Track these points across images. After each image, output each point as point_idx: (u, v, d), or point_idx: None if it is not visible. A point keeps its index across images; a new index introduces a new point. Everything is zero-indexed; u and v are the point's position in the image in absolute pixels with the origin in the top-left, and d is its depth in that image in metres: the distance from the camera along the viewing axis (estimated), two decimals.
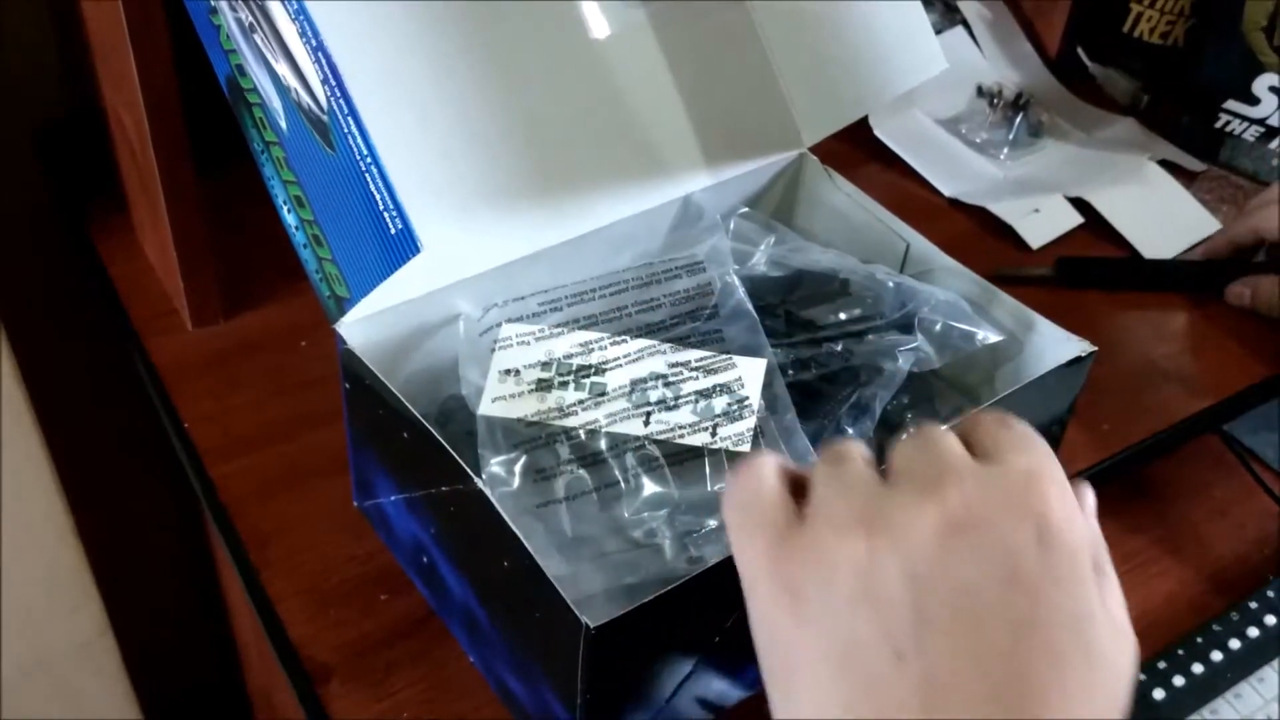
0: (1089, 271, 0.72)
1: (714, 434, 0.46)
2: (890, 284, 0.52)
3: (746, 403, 0.47)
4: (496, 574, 0.43)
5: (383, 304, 0.48)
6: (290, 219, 0.48)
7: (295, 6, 0.44)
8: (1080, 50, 0.92)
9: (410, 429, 0.44)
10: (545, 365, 0.48)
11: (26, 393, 0.71)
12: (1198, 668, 0.53)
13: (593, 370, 0.48)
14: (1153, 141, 0.84)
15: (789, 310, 0.53)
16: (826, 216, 0.60)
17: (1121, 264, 0.74)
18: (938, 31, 0.62)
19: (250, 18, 0.46)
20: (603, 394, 0.47)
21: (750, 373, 0.48)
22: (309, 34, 0.45)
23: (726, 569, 0.40)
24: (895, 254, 0.56)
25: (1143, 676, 0.53)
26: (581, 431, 0.46)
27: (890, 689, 0.29)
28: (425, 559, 0.50)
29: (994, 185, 0.78)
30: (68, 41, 0.72)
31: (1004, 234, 0.75)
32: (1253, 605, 0.55)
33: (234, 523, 0.56)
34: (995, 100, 0.81)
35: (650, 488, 0.45)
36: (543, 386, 0.47)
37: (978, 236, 0.75)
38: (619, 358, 0.48)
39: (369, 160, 0.44)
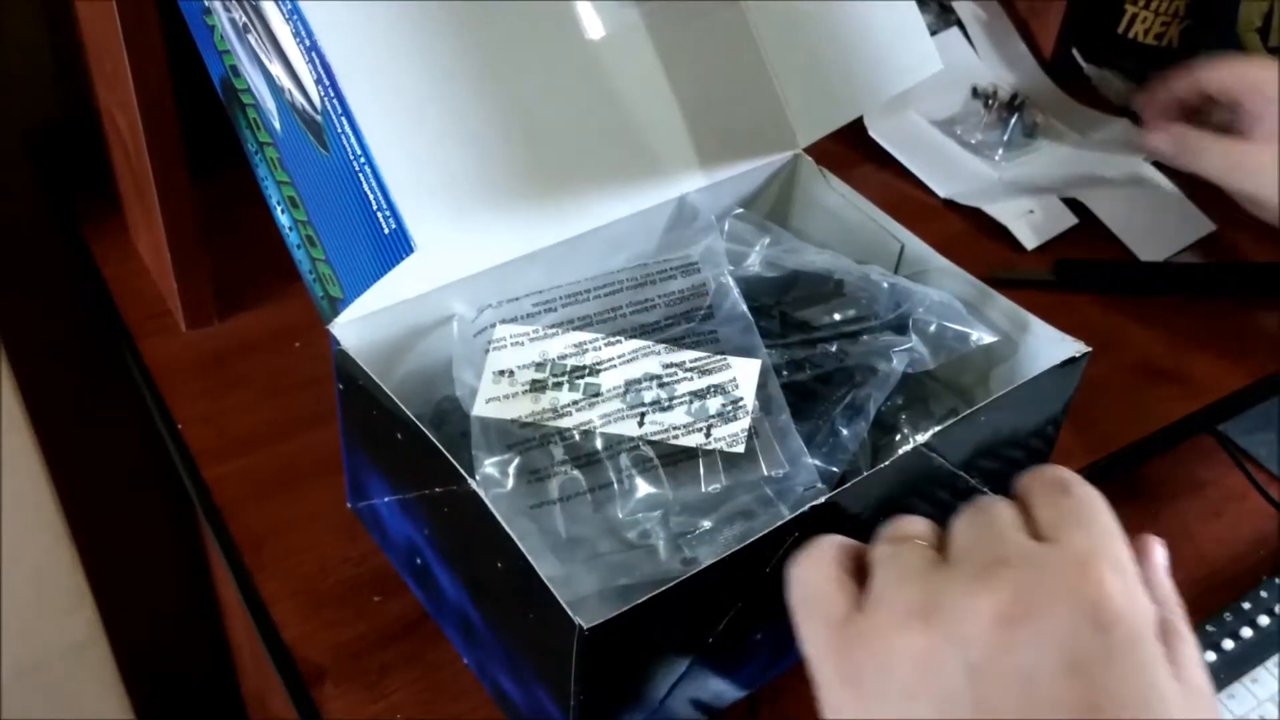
0: (1088, 274, 0.72)
1: (708, 435, 0.46)
2: (885, 285, 0.52)
3: (741, 403, 0.47)
4: (490, 575, 0.43)
5: (377, 305, 0.48)
6: (284, 219, 0.48)
7: (289, 7, 0.44)
8: (1075, 51, 0.92)
9: (404, 430, 0.44)
10: (539, 366, 0.48)
11: (20, 394, 0.71)
12: None
13: (587, 371, 0.48)
14: None
15: (784, 311, 0.53)
16: (821, 217, 0.60)
17: (1121, 267, 0.74)
18: (933, 32, 0.62)
19: (244, 18, 0.46)
20: (597, 395, 0.47)
21: (745, 374, 0.48)
22: (303, 34, 0.44)
23: (720, 570, 0.40)
24: (890, 255, 0.56)
25: None
26: (576, 432, 0.46)
27: None
28: (419, 560, 0.49)
29: (989, 186, 0.78)
30: (62, 42, 0.72)
31: (998, 235, 0.75)
32: (1246, 606, 0.55)
33: (228, 524, 0.56)
34: (990, 101, 0.81)
35: (644, 489, 0.45)
36: (537, 387, 0.47)
37: (972, 237, 0.75)
38: (613, 358, 0.48)
39: (363, 160, 0.44)
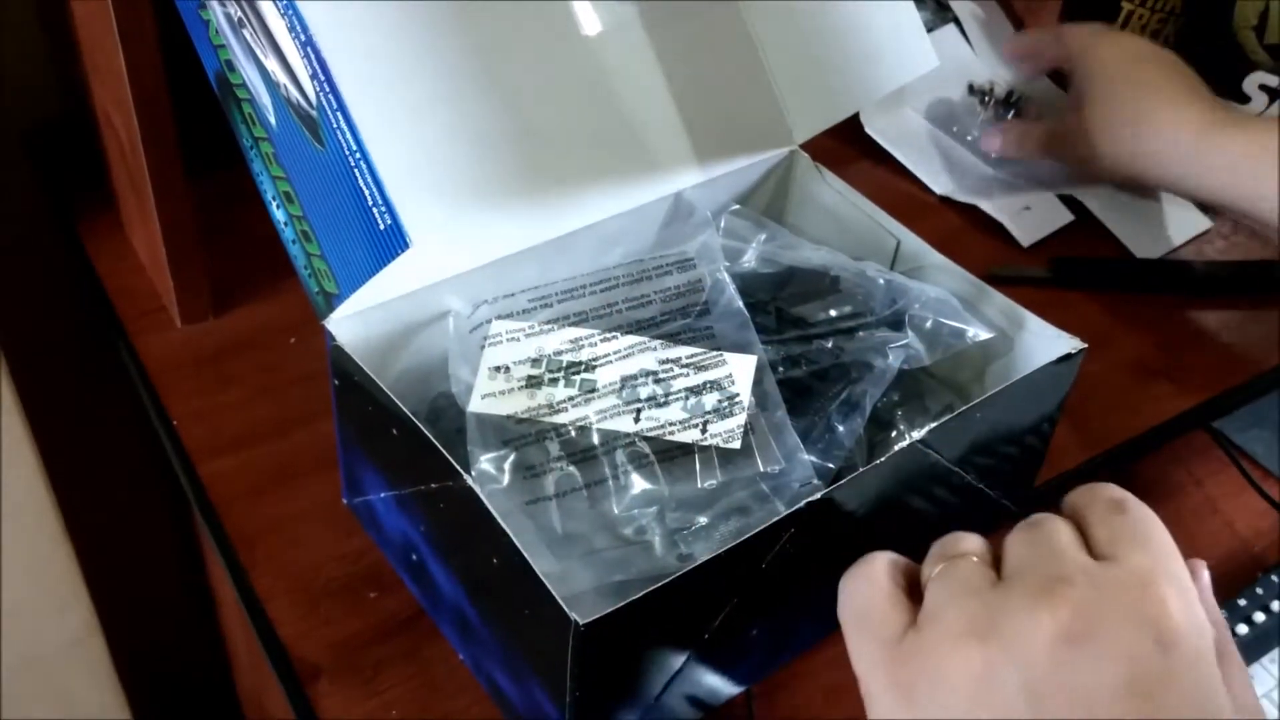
0: (1084, 272, 0.72)
1: (704, 431, 0.46)
2: (881, 281, 0.52)
3: (737, 399, 0.47)
4: (486, 571, 0.42)
5: (372, 300, 0.48)
6: (279, 215, 0.48)
7: (284, 2, 0.44)
8: None
9: (400, 426, 0.44)
10: (535, 362, 0.48)
11: (16, 391, 0.70)
12: None
13: (583, 367, 0.48)
14: None
15: (779, 307, 0.53)
16: (817, 213, 0.60)
17: (1117, 264, 0.74)
18: (929, 29, 0.63)
19: (239, 13, 0.46)
20: (593, 391, 0.47)
21: (741, 369, 0.48)
22: (298, 29, 0.44)
23: (716, 566, 0.40)
24: (886, 251, 0.56)
25: None
26: (571, 428, 0.46)
27: None
28: (415, 557, 0.49)
29: (985, 182, 0.78)
30: (57, 40, 0.72)
31: (995, 231, 0.75)
32: (1242, 602, 0.56)
33: (223, 521, 0.56)
34: (986, 98, 0.81)
35: (640, 485, 0.45)
36: (533, 383, 0.47)
37: (968, 234, 0.75)
38: (609, 354, 0.48)
39: (358, 156, 0.44)
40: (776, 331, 0.52)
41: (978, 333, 0.51)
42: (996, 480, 0.52)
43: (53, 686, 0.86)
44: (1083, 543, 0.32)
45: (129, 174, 0.63)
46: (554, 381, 0.47)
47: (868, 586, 0.34)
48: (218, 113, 0.49)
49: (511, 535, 0.39)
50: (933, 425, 0.45)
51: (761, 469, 0.46)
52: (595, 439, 0.46)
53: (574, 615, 0.37)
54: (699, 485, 0.46)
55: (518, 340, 0.49)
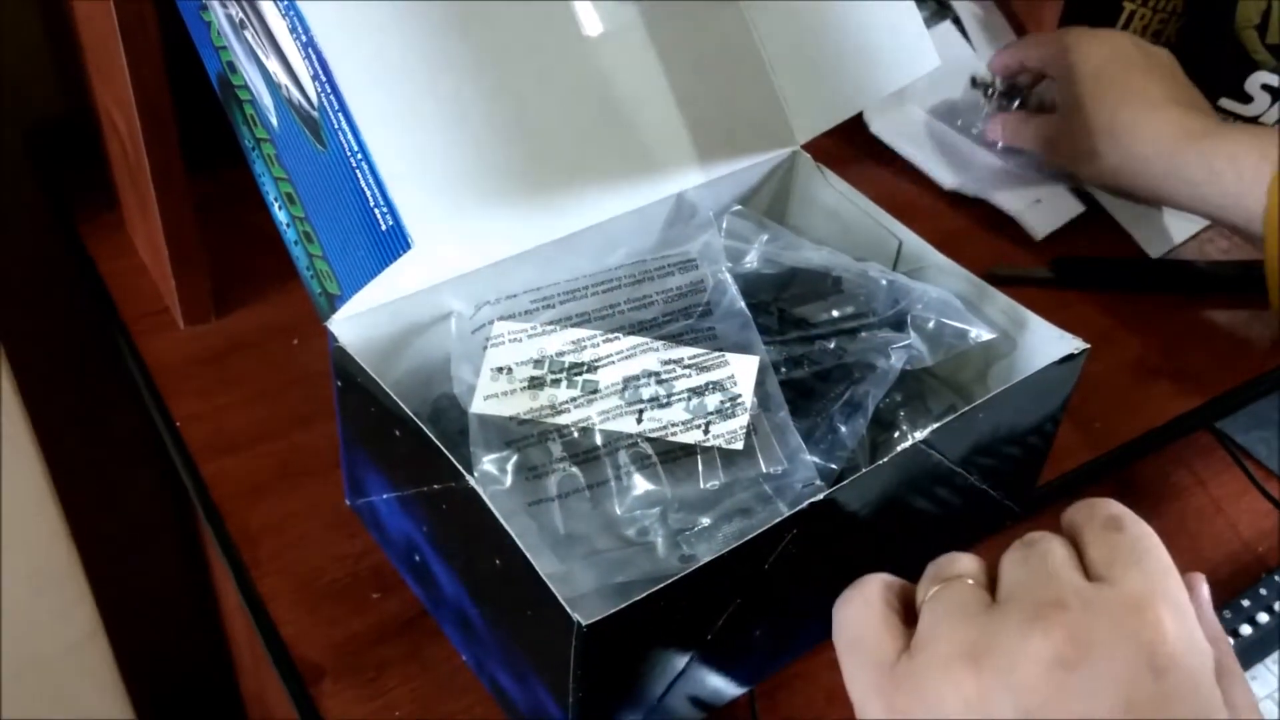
0: (1086, 272, 0.72)
1: (706, 431, 0.46)
2: (883, 281, 0.52)
3: (739, 400, 0.47)
4: (489, 572, 0.42)
5: (374, 301, 0.48)
6: (281, 216, 0.48)
7: (285, 3, 0.44)
8: None
9: (402, 427, 0.44)
10: (537, 363, 0.48)
11: (18, 391, 0.70)
12: None
13: (585, 368, 0.48)
14: None
15: (782, 308, 0.53)
16: (819, 214, 0.60)
17: (1119, 265, 0.74)
18: (927, 26, 0.63)
19: (241, 14, 0.46)
20: (595, 391, 0.47)
21: (743, 370, 0.48)
22: (299, 30, 0.44)
23: (718, 567, 0.40)
24: (888, 251, 0.56)
25: None
26: (574, 429, 0.46)
27: None
28: (417, 557, 0.49)
29: (994, 176, 0.78)
30: (59, 40, 0.72)
31: (997, 231, 0.75)
32: (1245, 603, 0.55)
33: (225, 521, 0.56)
34: (990, 90, 0.81)
35: (642, 485, 0.45)
36: (535, 384, 0.47)
37: (970, 234, 0.75)
38: (611, 355, 0.48)
39: (360, 157, 0.44)
40: (779, 332, 0.52)
41: (980, 333, 0.51)
42: (999, 481, 0.52)
43: (55, 688, 0.86)
44: (1078, 563, 0.32)
45: (131, 174, 0.63)
46: (556, 382, 0.47)
47: (861, 610, 0.34)
48: (219, 111, 0.49)
49: (514, 536, 0.39)
50: (935, 426, 0.45)
51: (764, 470, 0.46)
52: (598, 440, 0.46)
53: (577, 616, 0.37)
54: (701, 486, 0.46)
55: (520, 341, 0.49)
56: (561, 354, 0.48)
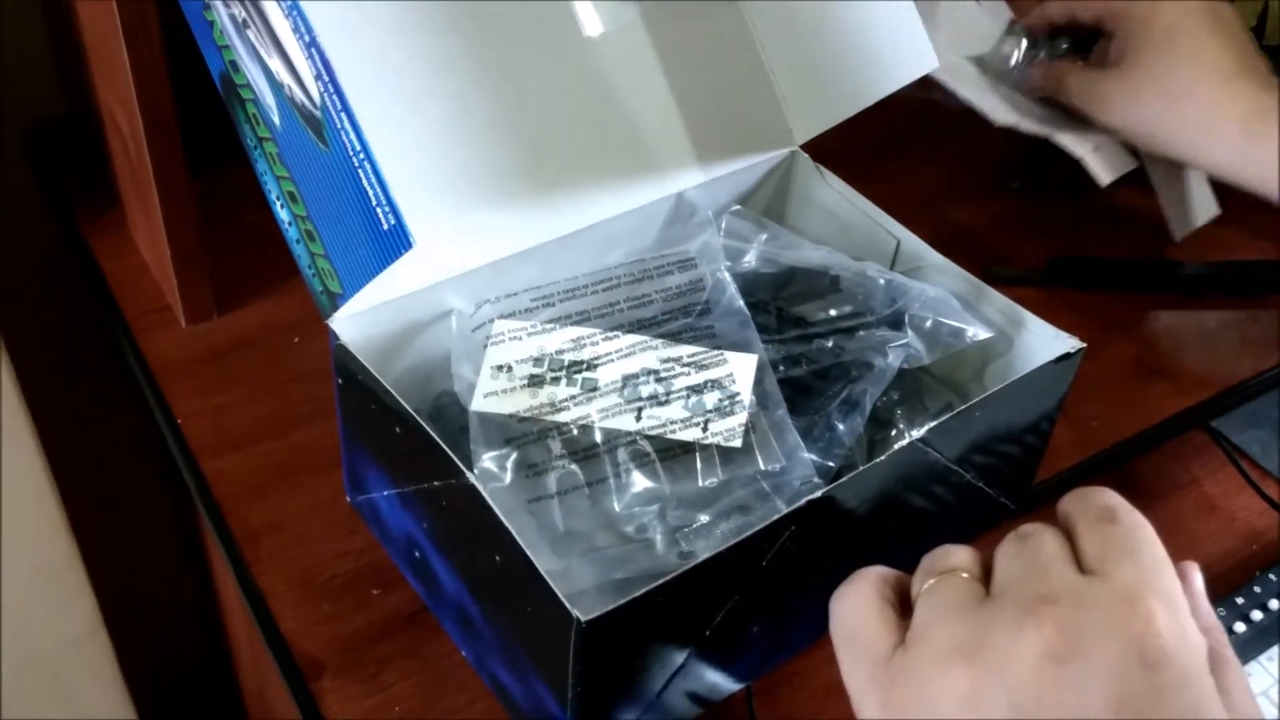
0: (1083, 271, 0.73)
1: (705, 429, 0.46)
2: (881, 281, 0.52)
3: (738, 398, 0.47)
4: (488, 569, 0.43)
5: (375, 300, 0.48)
6: (283, 215, 0.48)
7: (289, 3, 0.45)
8: None
9: (402, 424, 0.45)
10: (537, 361, 0.48)
11: (20, 389, 0.71)
12: None
13: (584, 366, 0.48)
14: None
15: (780, 307, 0.53)
16: (817, 214, 0.60)
17: (1115, 264, 0.74)
18: None
19: (243, 13, 0.46)
20: (594, 389, 0.47)
21: (741, 368, 0.48)
22: (302, 30, 0.45)
23: (717, 564, 0.40)
24: (885, 251, 0.56)
25: None
26: (573, 427, 0.46)
27: None
28: (417, 554, 0.50)
29: (1052, 116, 0.72)
30: (61, 38, 0.72)
31: (994, 231, 0.75)
32: (1240, 601, 0.56)
33: (226, 518, 0.56)
34: (1028, 41, 0.73)
35: (641, 483, 0.46)
36: (535, 382, 0.48)
37: (968, 234, 0.75)
38: (611, 353, 0.49)
39: (362, 156, 0.45)
40: (777, 331, 0.52)
41: (977, 332, 0.51)
42: (995, 479, 0.53)
43: (55, 684, 0.86)
44: (1072, 555, 0.32)
45: (132, 172, 0.64)
46: (556, 380, 0.48)
47: (856, 605, 0.34)
48: (221, 110, 0.49)
49: (514, 533, 0.39)
50: (932, 424, 0.46)
51: (762, 467, 0.46)
52: (597, 437, 0.46)
53: (576, 612, 0.37)
54: (700, 483, 0.46)
55: (520, 339, 0.49)
56: (561, 352, 0.49)
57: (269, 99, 0.47)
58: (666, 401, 0.47)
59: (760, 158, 0.59)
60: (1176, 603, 0.31)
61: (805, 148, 0.60)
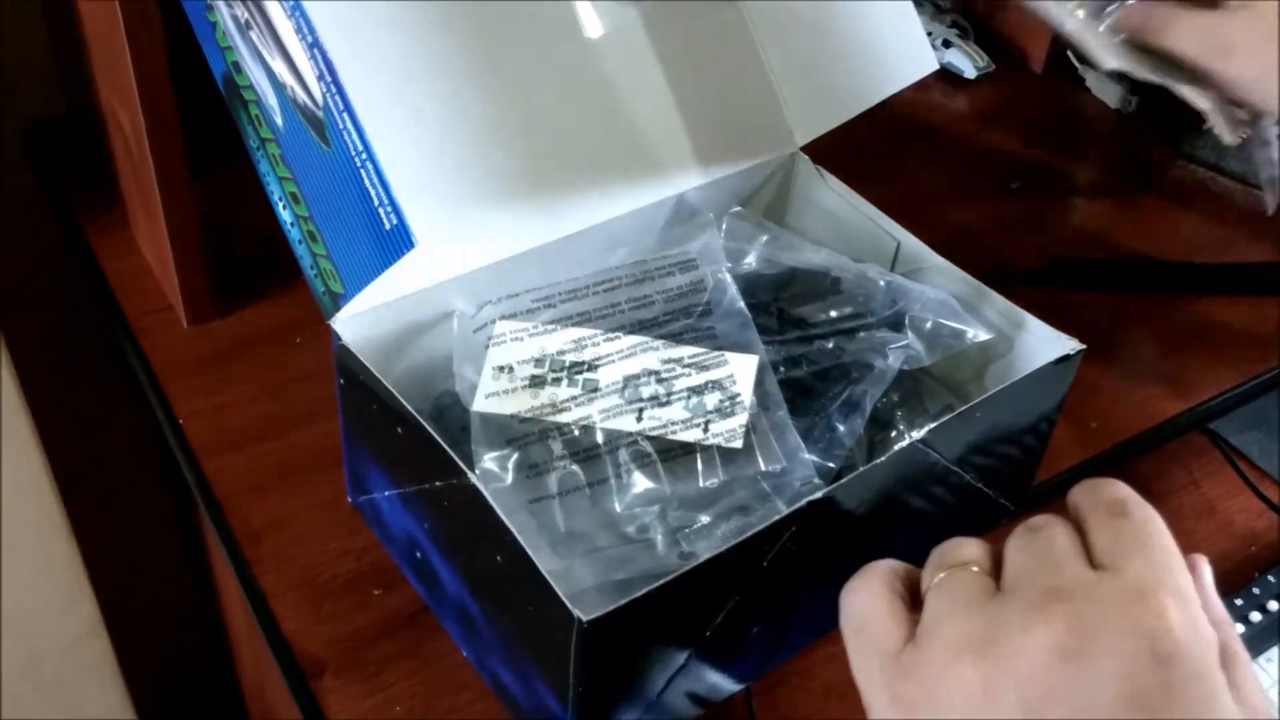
0: (1082, 273, 0.73)
1: (706, 430, 0.47)
2: (881, 282, 0.53)
3: (738, 399, 0.47)
4: (489, 569, 0.43)
5: (377, 300, 0.48)
6: (285, 215, 0.48)
7: (291, 4, 0.45)
8: (1070, 54, 0.92)
9: (404, 424, 0.45)
10: (538, 361, 0.48)
11: (21, 388, 0.71)
12: None
13: (586, 366, 0.48)
14: None
15: (781, 308, 0.54)
16: (818, 215, 0.60)
17: (1115, 265, 0.75)
18: None
19: (246, 15, 0.46)
20: (595, 390, 0.48)
21: (742, 369, 0.48)
22: (305, 31, 0.45)
23: (717, 564, 0.40)
24: (886, 253, 0.56)
25: None
26: (575, 428, 0.47)
27: None
28: (418, 554, 0.50)
29: (1154, 65, 0.59)
30: (63, 39, 0.72)
31: (994, 232, 0.75)
32: (1239, 602, 0.56)
33: (228, 518, 0.56)
34: None
35: (642, 483, 0.46)
36: (536, 383, 0.48)
37: (968, 235, 0.75)
38: (612, 354, 0.49)
39: (364, 157, 0.45)
40: (778, 332, 0.52)
41: (977, 334, 0.51)
42: (995, 480, 0.53)
43: (56, 685, 0.86)
44: (1082, 549, 0.32)
45: (135, 173, 0.64)
46: (557, 381, 0.48)
47: (867, 599, 0.34)
48: (224, 111, 0.50)
49: (515, 533, 0.40)
50: (932, 425, 0.46)
51: (763, 468, 0.47)
52: (598, 438, 0.46)
53: (577, 612, 0.37)
54: (701, 484, 0.46)
55: (521, 340, 0.49)
56: (562, 353, 0.49)
57: (271, 100, 0.47)
58: (667, 402, 0.47)
59: (761, 159, 0.59)
60: (1188, 597, 0.30)
61: (806, 149, 0.60)
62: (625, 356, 0.49)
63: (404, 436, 0.45)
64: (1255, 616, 0.55)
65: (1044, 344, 0.51)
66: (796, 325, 0.53)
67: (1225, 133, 0.59)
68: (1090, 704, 0.29)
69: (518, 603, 0.42)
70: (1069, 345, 0.50)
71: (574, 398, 0.47)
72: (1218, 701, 0.29)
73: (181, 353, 0.64)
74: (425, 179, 0.47)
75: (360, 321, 0.48)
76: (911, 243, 0.56)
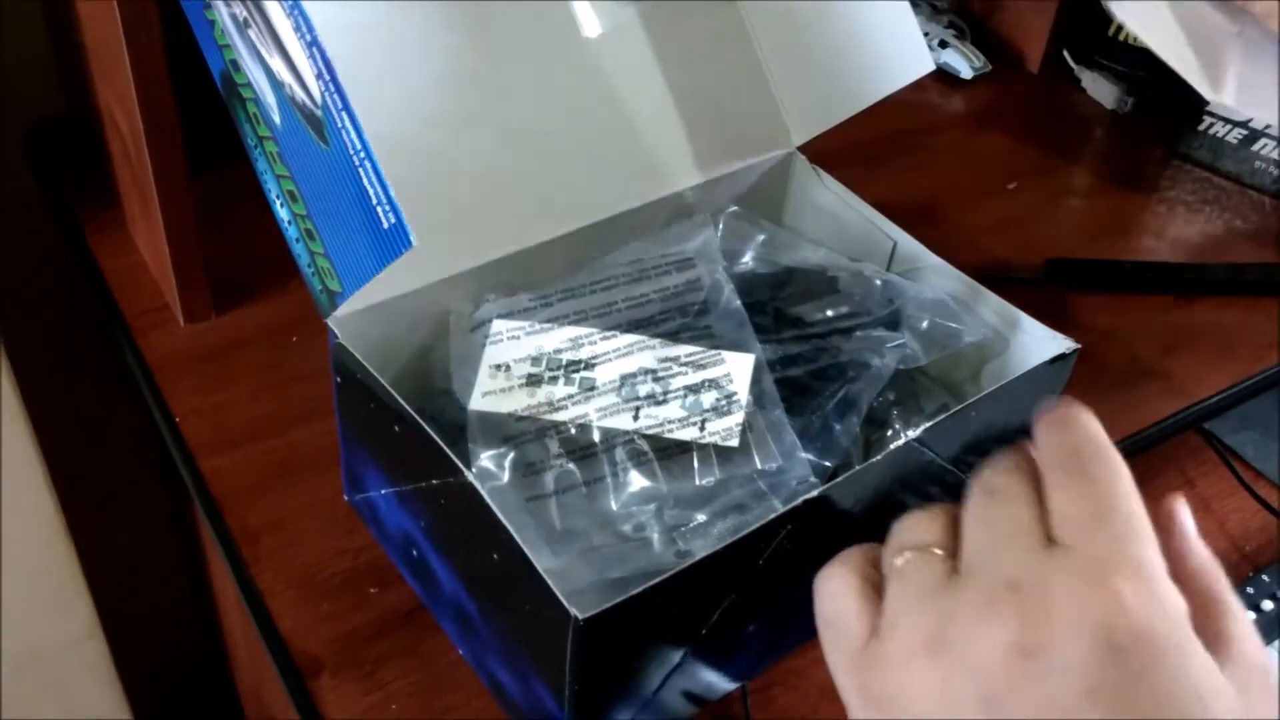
0: (1078, 273, 0.73)
1: (702, 429, 0.47)
2: (877, 282, 0.53)
3: (735, 398, 0.47)
4: (486, 567, 0.43)
5: (375, 299, 0.48)
6: (283, 214, 0.49)
7: (290, 3, 0.45)
8: (1066, 53, 0.93)
9: (401, 423, 0.45)
10: (535, 360, 0.48)
11: (18, 387, 0.71)
12: None
13: (582, 365, 0.48)
14: None
15: (777, 307, 0.54)
16: (815, 215, 0.60)
17: (1111, 266, 0.75)
18: None
19: (245, 13, 0.46)
20: (592, 389, 0.48)
21: (739, 368, 0.48)
22: (303, 29, 0.45)
23: (714, 563, 0.40)
24: (882, 252, 0.57)
25: None
26: (571, 426, 0.47)
27: None
28: (415, 552, 0.50)
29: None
30: (61, 38, 0.72)
31: (990, 232, 0.75)
32: None
33: (225, 517, 0.56)
34: None
35: (639, 482, 0.46)
36: (533, 381, 0.48)
37: (964, 235, 0.76)
38: (608, 353, 0.49)
39: (362, 155, 0.45)
40: (774, 331, 0.52)
41: (973, 333, 0.51)
42: None
43: (53, 684, 0.86)
44: (1039, 515, 0.31)
45: (132, 171, 0.64)
46: (554, 379, 0.48)
47: (836, 589, 0.33)
48: (221, 109, 0.50)
49: (512, 531, 0.40)
50: (928, 424, 0.46)
51: (759, 467, 0.47)
52: (595, 436, 0.47)
53: (574, 610, 0.38)
54: (697, 482, 0.46)
55: (518, 339, 0.49)
56: (559, 351, 0.49)
57: (270, 98, 0.47)
58: (664, 401, 0.47)
59: (758, 159, 0.59)
60: (1149, 572, 0.29)
61: (803, 149, 0.60)
62: (622, 355, 0.49)
63: (401, 435, 0.45)
64: (1250, 616, 0.55)
65: (1039, 344, 0.51)
66: (793, 324, 0.53)
67: (1206, 90, 0.56)
68: (1052, 701, 0.28)
69: (514, 601, 0.42)
70: (1064, 345, 0.50)
71: (571, 396, 0.47)
72: (1190, 676, 0.28)
73: (179, 351, 0.64)
74: (423, 178, 0.47)
75: (357, 320, 0.48)
76: (908, 242, 0.56)
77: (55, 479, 0.77)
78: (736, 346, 0.49)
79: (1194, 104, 0.83)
